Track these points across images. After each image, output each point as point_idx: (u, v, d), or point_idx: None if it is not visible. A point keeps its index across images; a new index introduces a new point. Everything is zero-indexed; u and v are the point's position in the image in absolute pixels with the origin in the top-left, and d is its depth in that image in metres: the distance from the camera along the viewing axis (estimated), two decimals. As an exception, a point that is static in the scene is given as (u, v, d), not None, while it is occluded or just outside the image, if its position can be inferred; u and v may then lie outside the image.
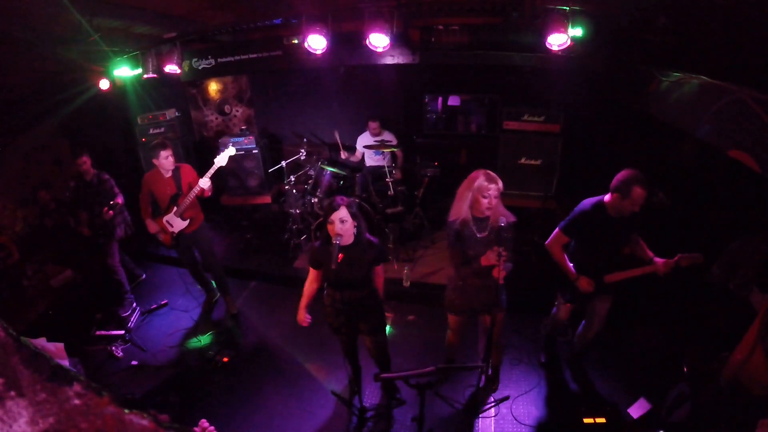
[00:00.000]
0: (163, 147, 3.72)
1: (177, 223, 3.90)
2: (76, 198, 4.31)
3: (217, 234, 5.80)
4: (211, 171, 3.76)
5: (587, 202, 2.91)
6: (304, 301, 2.89)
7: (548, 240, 3.02)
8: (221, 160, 3.83)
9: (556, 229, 2.98)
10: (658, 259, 2.82)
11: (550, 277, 3.25)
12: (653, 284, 3.70)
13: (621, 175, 2.72)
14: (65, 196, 4.37)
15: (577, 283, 2.96)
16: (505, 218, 2.62)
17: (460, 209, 2.68)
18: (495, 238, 2.63)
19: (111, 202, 4.17)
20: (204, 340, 4.07)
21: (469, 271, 2.75)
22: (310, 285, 2.87)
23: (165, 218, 3.89)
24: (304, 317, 2.89)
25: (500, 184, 2.61)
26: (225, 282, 4.37)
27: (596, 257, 2.95)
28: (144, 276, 5.10)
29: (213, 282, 4.43)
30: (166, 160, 3.72)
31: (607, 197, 2.82)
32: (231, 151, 3.91)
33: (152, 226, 3.96)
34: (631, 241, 2.98)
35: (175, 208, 3.85)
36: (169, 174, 3.82)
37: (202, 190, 3.74)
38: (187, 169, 3.90)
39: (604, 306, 3.12)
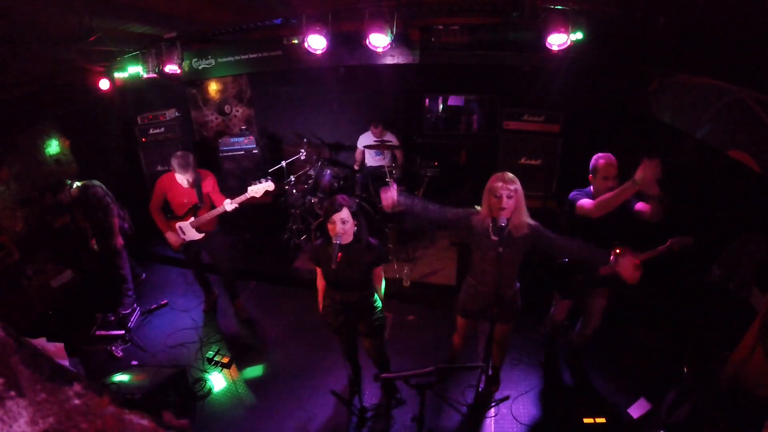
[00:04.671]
0: (179, 169, 3.50)
1: (191, 234, 3.83)
2: (74, 202, 4.30)
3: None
4: (242, 198, 3.60)
5: (574, 191, 2.97)
6: (321, 296, 2.93)
7: (588, 206, 2.75)
8: (256, 191, 3.62)
9: (579, 202, 2.82)
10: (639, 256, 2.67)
11: (548, 276, 3.25)
12: (653, 284, 3.71)
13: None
14: (66, 197, 4.36)
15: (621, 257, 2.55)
16: (506, 218, 2.49)
17: (484, 214, 2.59)
18: (498, 235, 2.53)
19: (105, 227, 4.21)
20: (204, 340, 4.07)
21: (476, 273, 2.74)
22: (320, 281, 2.89)
23: (179, 224, 3.79)
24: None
25: (515, 185, 2.50)
26: (234, 287, 4.25)
27: None
28: (144, 276, 5.09)
29: (225, 287, 4.27)
30: (182, 178, 3.58)
31: (590, 187, 2.91)
32: (269, 186, 3.65)
33: (173, 238, 3.79)
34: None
35: (192, 219, 3.76)
36: (191, 181, 3.65)
37: (225, 211, 3.63)
38: (210, 181, 3.73)
39: (600, 302, 3.10)
